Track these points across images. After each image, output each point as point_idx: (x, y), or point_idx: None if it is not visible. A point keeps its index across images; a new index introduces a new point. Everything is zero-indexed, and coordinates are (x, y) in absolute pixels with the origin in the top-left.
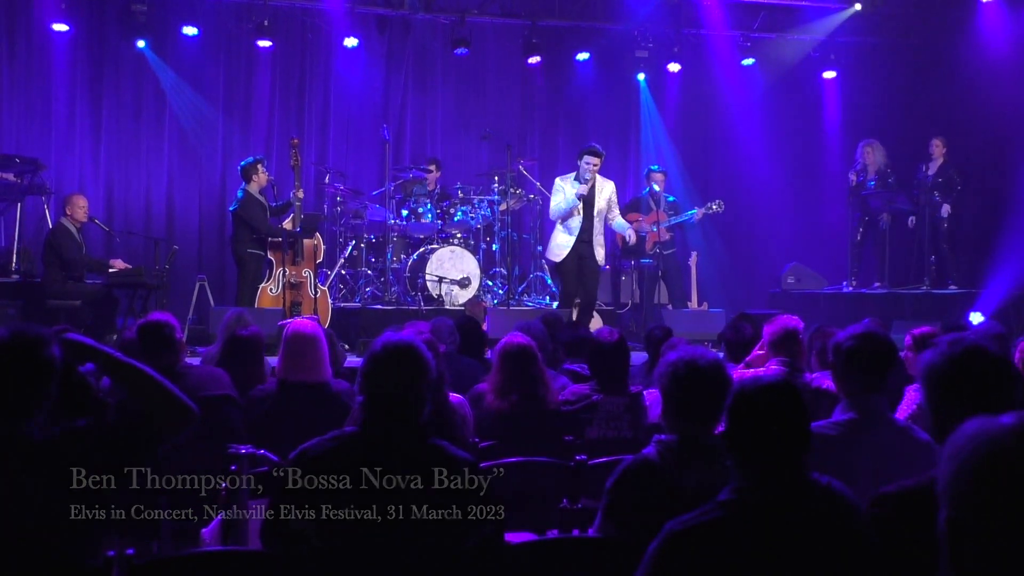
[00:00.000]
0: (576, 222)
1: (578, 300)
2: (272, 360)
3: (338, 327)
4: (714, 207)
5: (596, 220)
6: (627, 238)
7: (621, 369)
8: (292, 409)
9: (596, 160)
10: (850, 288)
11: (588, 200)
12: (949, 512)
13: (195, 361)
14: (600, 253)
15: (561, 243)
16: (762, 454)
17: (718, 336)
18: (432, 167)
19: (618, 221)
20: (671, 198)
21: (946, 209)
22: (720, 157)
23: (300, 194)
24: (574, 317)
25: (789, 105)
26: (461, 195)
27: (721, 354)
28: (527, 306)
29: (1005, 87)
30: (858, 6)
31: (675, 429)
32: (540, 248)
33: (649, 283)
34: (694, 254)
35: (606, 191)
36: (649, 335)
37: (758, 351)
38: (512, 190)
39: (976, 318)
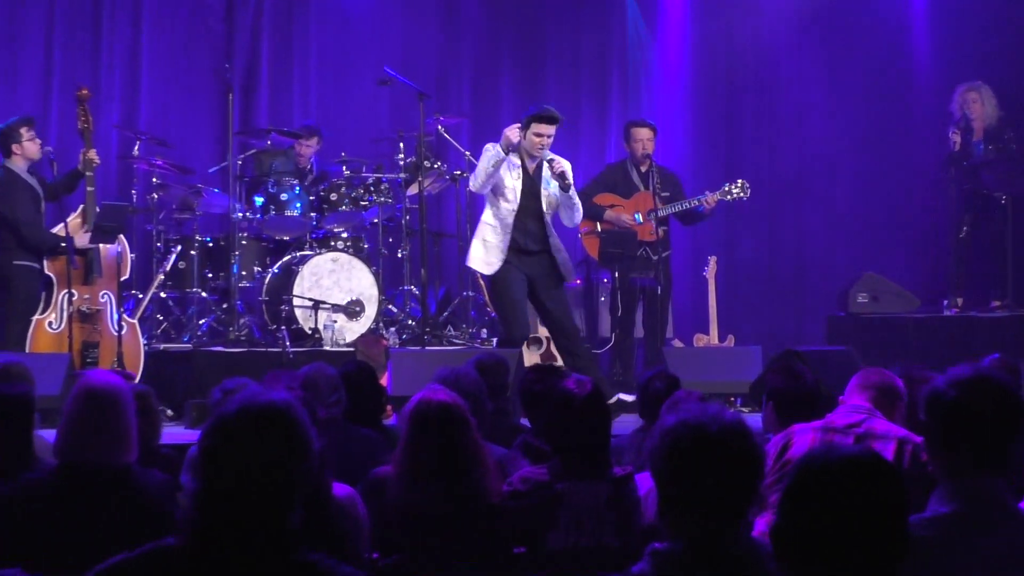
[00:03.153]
0: (508, 210)
1: (543, 336)
2: (49, 434)
3: (156, 381)
4: (735, 191)
5: (549, 219)
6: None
7: (598, 440)
8: (77, 508)
9: (549, 130)
10: (954, 310)
11: (532, 189)
12: None
13: None
14: (563, 266)
15: (492, 241)
16: (838, 564)
17: (752, 387)
18: (312, 140)
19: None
20: (669, 172)
21: None
22: (750, 112)
23: (92, 165)
24: (529, 358)
25: (857, 30)
26: (348, 173)
27: (759, 416)
28: (454, 345)
29: None
30: None
31: (679, 532)
32: None
33: (648, 305)
34: (712, 260)
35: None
36: (645, 388)
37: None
38: (428, 163)
39: None
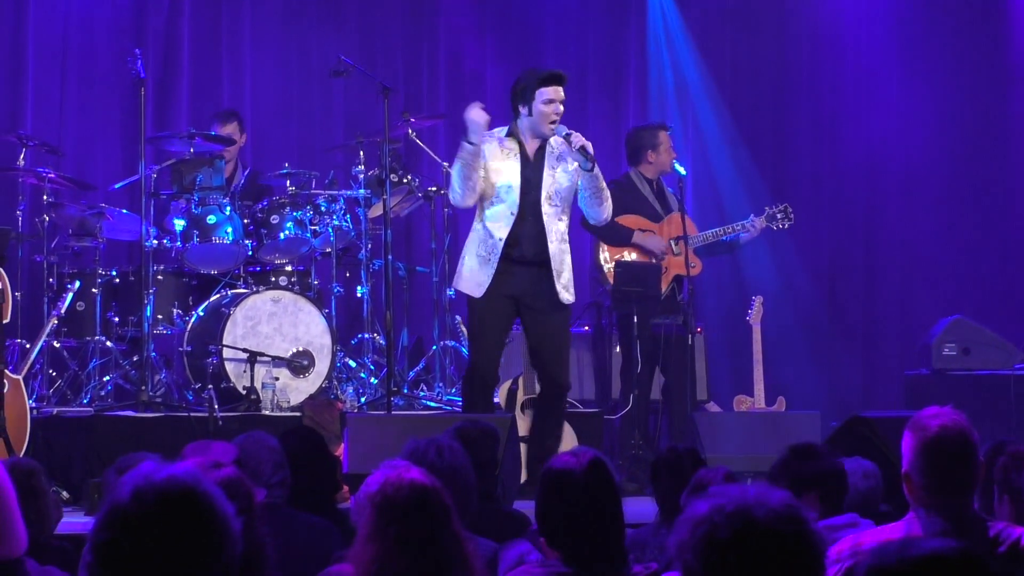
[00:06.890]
0: (501, 212)
1: (529, 393)
2: None
3: (47, 455)
4: (779, 217)
5: (552, 218)
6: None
7: (607, 531)
8: None
9: (560, 93)
10: None
11: (534, 180)
12: None
13: None
14: (565, 288)
15: (482, 253)
16: None
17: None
18: (231, 127)
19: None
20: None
21: None
22: (805, 117)
23: None
24: (523, 426)
25: (945, 18)
26: (293, 190)
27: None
28: (426, 408)
29: None
30: None
31: None
32: (452, 292)
33: (677, 357)
34: (757, 302)
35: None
36: (659, 464)
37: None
38: (395, 178)
39: None
